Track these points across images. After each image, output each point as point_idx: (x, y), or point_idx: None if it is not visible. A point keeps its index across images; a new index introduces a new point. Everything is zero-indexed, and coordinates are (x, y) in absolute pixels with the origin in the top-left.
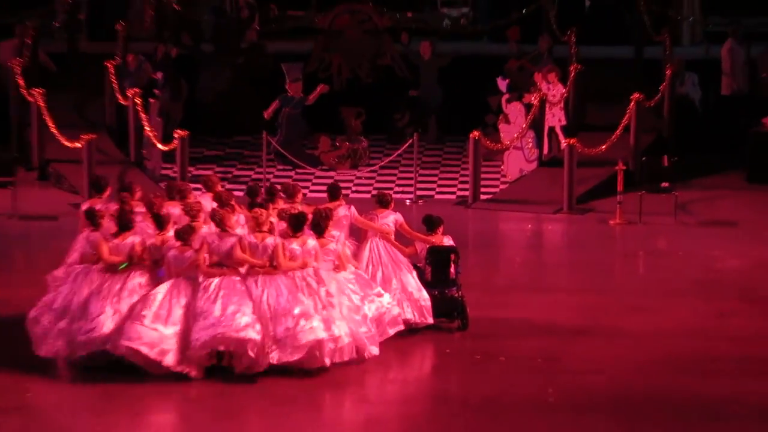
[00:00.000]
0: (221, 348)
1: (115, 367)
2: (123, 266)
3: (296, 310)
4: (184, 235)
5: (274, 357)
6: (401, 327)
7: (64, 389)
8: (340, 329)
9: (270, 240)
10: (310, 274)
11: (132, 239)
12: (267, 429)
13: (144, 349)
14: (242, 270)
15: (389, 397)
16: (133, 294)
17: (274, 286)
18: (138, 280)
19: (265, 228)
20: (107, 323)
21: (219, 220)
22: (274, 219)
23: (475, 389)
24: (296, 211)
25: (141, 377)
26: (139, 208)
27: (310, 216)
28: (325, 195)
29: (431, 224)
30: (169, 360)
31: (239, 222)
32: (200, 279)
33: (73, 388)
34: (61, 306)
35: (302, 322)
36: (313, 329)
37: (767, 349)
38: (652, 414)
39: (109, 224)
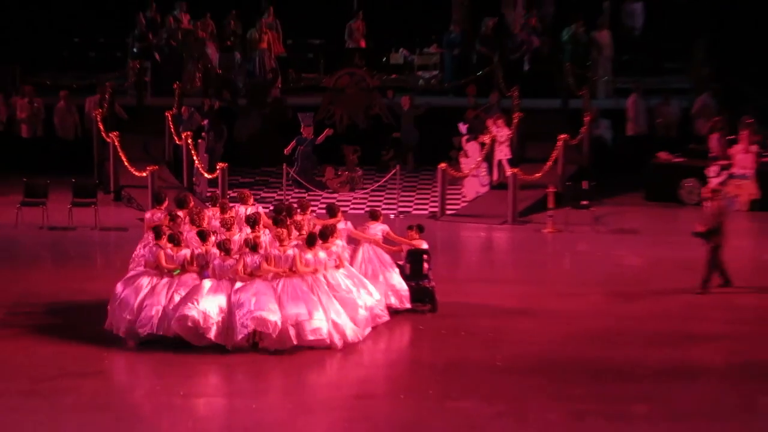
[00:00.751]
0: (253, 326)
1: (168, 342)
2: (176, 272)
3: (309, 305)
4: (225, 246)
5: (292, 339)
6: (385, 313)
7: (131, 357)
8: (343, 319)
9: (290, 251)
10: (320, 279)
11: (184, 252)
12: (286, 385)
13: (193, 322)
14: (269, 277)
15: (378, 362)
16: (180, 289)
17: (293, 286)
18: (187, 279)
19: (286, 243)
20: (161, 312)
21: (252, 245)
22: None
23: (442, 355)
24: (310, 230)
25: (188, 349)
26: (185, 223)
27: (319, 228)
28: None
29: (421, 229)
30: (212, 333)
31: (266, 232)
32: (237, 283)
33: (138, 356)
34: (125, 299)
35: (314, 314)
36: (321, 320)
37: (662, 325)
38: (575, 374)
39: (166, 242)
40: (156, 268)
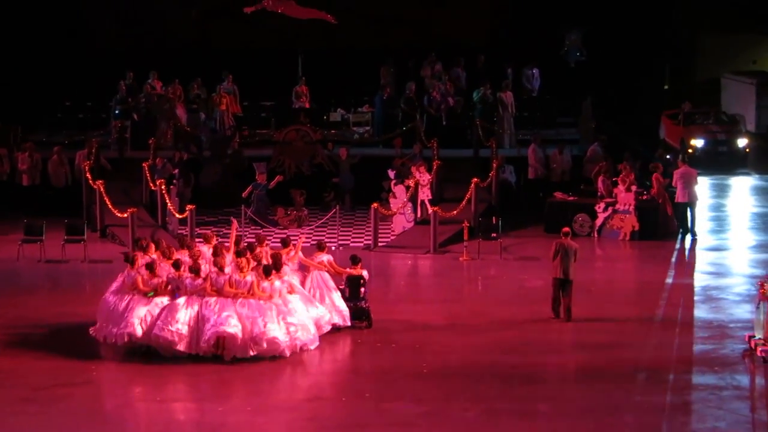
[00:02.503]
0: (216, 336)
1: (144, 353)
2: (150, 294)
3: (264, 319)
4: (195, 270)
5: (251, 350)
6: (330, 328)
7: (114, 368)
8: (295, 333)
9: (249, 278)
10: (277, 302)
11: (157, 279)
12: (246, 391)
13: (167, 339)
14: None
15: (323, 370)
16: (155, 308)
17: (251, 306)
18: (160, 300)
19: (245, 271)
20: (138, 326)
21: (219, 266)
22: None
23: (377, 364)
24: (266, 263)
25: (161, 360)
26: (159, 258)
27: (271, 259)
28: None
29: (355, 260)
30: (182, 347)
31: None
32: (205, 298)
33: (120, 367)
34: (108, 314)
35: (268, 327)
36: (274, 332)
37: (561, 336)
38: (489, 378)
39: (143, 268)
40: (133, 290)
